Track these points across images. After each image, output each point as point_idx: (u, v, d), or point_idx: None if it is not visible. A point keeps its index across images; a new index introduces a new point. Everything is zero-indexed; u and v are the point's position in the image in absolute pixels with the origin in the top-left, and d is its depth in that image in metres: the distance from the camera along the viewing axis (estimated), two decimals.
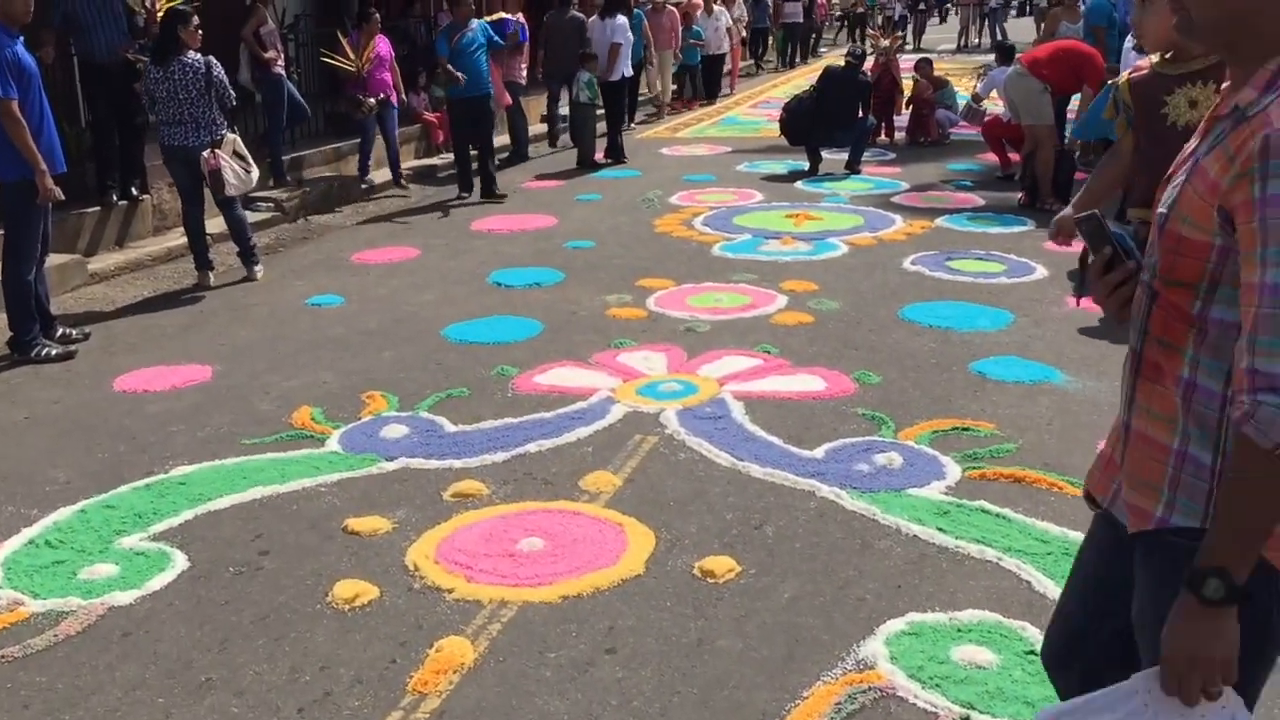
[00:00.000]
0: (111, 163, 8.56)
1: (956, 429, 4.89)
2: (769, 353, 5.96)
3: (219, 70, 7.33)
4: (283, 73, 10.08)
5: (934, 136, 12.94)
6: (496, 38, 10.93)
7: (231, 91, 7.48)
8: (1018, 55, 9.90)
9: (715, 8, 17.65)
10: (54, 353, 6.20)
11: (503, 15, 12.23)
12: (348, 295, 7.38)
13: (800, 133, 11.37)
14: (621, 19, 12.81)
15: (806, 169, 11.31)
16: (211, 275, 7.74)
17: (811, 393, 5.37)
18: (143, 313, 7.18)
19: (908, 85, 13.78)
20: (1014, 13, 31.82)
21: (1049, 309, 6.68)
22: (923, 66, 13.21)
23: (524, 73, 12.85)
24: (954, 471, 4.47)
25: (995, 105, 11.46)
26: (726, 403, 5.26)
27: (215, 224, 8.07)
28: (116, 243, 8.61)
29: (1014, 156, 10.77)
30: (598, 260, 8.09)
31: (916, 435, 4.83)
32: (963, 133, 13.34)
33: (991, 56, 24.95)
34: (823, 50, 28.14)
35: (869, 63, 12.42)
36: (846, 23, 30.00)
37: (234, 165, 7.41)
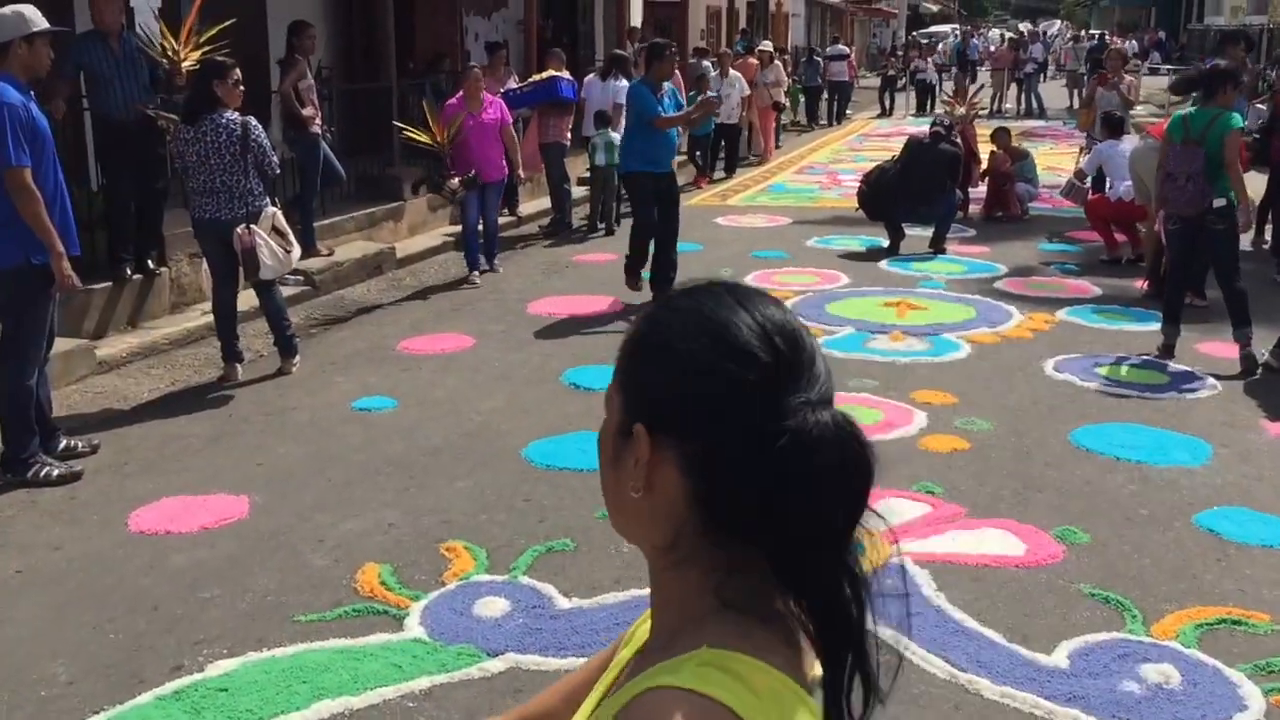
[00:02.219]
0: (127, 232, 7.50)
1: (1224, 621, 3.79)
2: (933, 493, 4.86)
3: (258, 133, 6.29)
4: (319, 131, 9.06)
5: (1014, 212, 11.92)
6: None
7: (273, 157, 6.42)
8: (1147, 128, 8.90)
9: (731, 72, 15.92)
10: (55, 473, 5.09)
11: (553, 73, 11.25)
12: (400, 397, 6.28)
13: (882, 207, 10.36)
14: (623, 81, 11.80)
15: (887, 246, 10.28)
16: (240, 369, 6.65)
17: (1012, 558, 4.26)
18: (161, 415, 6.06)
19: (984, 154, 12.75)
20: (1052, 75, 30.98)
21: (1247, 436, 5.60)
22: (1000, 136, 12.24)
23: (568, 135, 11.87)
24: (1254, 697, 3.36)
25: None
26: (908, 571, 4.14)
27: (240, 300, 6.95)
28: (129, 322, 7.52)
29: (1120, 237, 9.79)
30: None
31: (1178, 631, 3.72)
32: (1041, 207, 12.38)
33: (1029, 122, 24.34)
34: (849, 113, 27.29)
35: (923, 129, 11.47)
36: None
37: (271, 244, 6.34)
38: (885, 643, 1.02)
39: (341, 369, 6.87)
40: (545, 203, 12.37)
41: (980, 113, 16.33)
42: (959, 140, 10.89)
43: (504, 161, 9.29)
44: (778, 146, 19.20)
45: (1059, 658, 3.57)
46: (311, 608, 3.93)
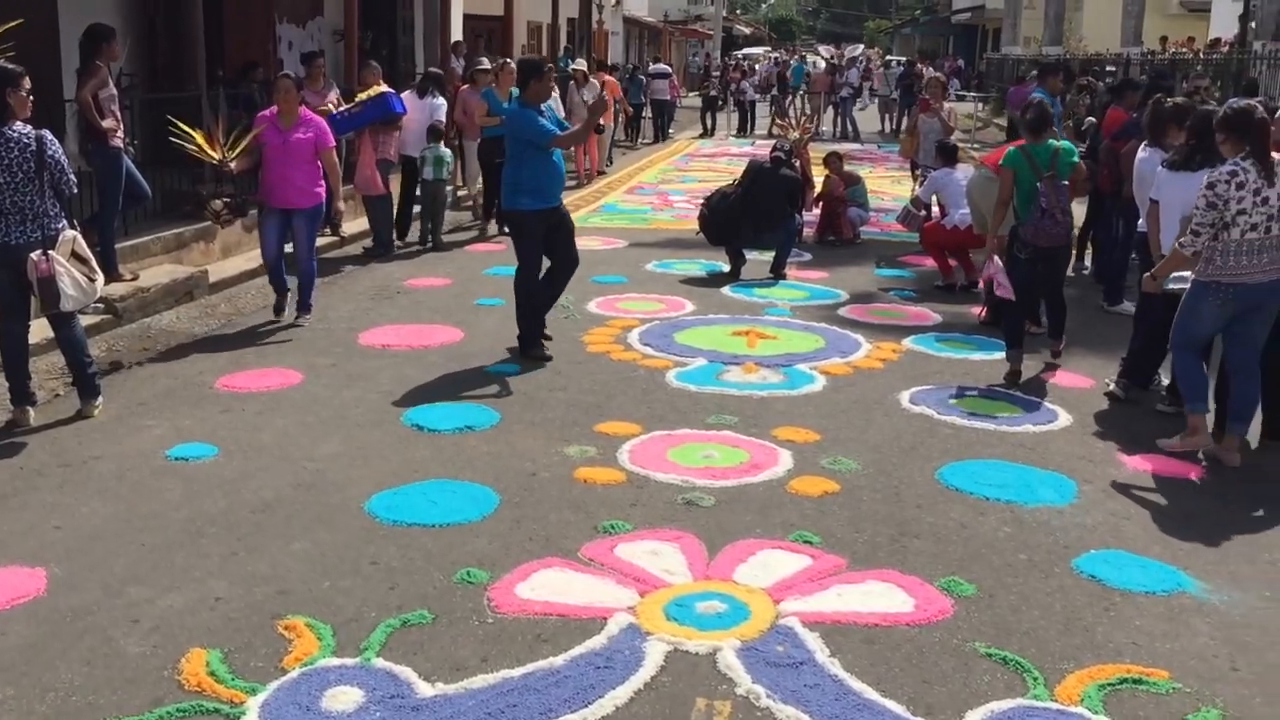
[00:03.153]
0: None
1: (1125, 681, 3.65)
2: (811, 544, 4.62)
3: (55, 148, 5.59)
4: (121, 145, 8.26)
5: (846, 235, 11.99)
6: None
7: (70, 175, 5.73)
8: (980, 158, 9.01)
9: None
10: None
11: (380, 89, 10.67)
12: (221, 443, 5.67)
13: (723, 233, 10.20)
14: (440, 99, 11.94)
15: (728, 271, 10.13)
16: (32, 412, 5.90)
17: (902, 616, 4.04)
18: None
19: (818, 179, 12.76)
20: (860, 106, 31.76)
21: (1107, 470, 5.58)
22: (833, 161, 12.31)
23: (394, 152, 11.29)
24: None
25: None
26: (798, 634, 3.87)
27: (32, 332, 6.19)
28: None
29: (953, 263, 9.90)
30: (534, 391, 6.61)
31: (1082, 694, 3.55)
32: (871, 230, 12.50)
33: (845, 145, 24.87)
34: (670, 131, 27.37)
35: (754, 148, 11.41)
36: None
37: (73, 271, 5.64)
38: None
39: (152, 411, 6.19)
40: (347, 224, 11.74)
41: (818, 135, 16.54)
42: (798, 165, 10.85)
43: (317, 188, 8.05)
44: (609, 164, 19.09)
45: None
46: (125, 708, 3.37)
